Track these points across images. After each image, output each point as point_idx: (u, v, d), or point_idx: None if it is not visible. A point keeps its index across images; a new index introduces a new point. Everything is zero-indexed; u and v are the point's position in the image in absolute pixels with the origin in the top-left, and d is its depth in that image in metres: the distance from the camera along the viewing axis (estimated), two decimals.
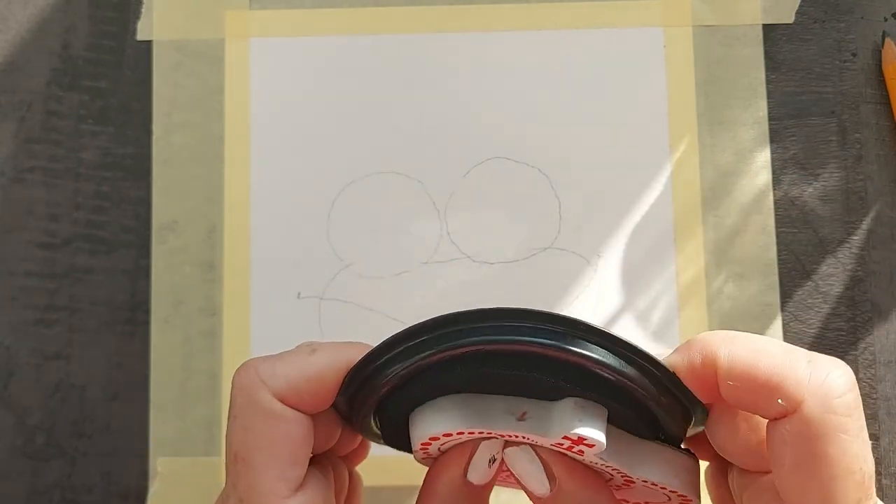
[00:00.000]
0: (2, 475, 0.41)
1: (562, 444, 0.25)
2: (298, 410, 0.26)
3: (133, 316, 0.42)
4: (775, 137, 0.43)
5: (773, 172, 0.43)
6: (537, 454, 0.27)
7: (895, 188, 0.43)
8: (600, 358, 0.24)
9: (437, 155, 0.43)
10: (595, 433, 0.24)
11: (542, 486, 0.27)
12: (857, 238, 0.43)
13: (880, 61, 0.43)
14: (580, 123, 0.43)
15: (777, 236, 0.42)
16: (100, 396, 0.41)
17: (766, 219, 0.42)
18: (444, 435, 0.26)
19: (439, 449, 0.27)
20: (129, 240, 0.42)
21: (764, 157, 0.43)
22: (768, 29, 0.44)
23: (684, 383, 0.25)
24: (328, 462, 0.30)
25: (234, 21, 0.43)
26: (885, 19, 0.44)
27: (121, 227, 0.42)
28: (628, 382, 0.24)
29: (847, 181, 0.43)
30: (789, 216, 0.43)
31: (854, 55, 0.44)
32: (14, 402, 0.41)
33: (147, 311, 0.42)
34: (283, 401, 0.26)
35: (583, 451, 0.25)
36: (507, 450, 0.27)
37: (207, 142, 0.43)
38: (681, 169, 0.43)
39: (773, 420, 0.24)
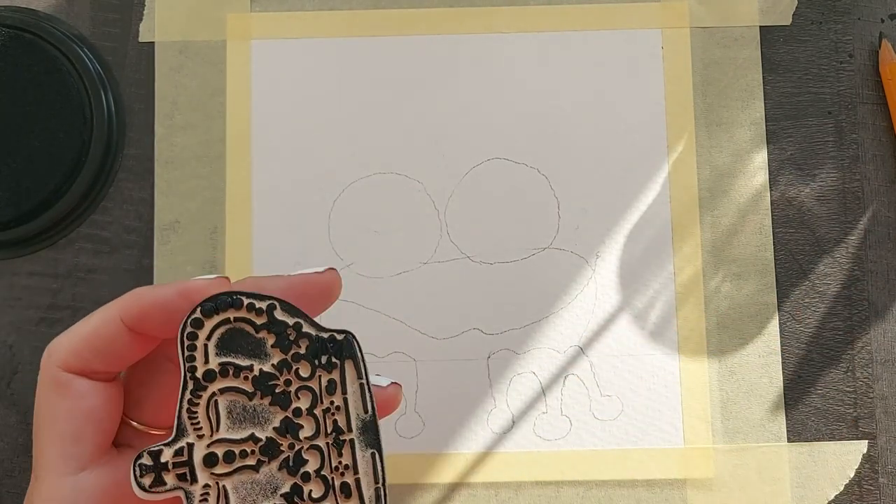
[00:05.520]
0: (5, 473, 0.42)
1: None
2: (91, 378, 0.26)
3: None
4: (772, 138, 0.43)
5: (771, 173, 0.43)
6: None
7: (892, 188, 0.43)
8: None
9: (437, 155, 0.43)
10: None
11: None
12: (854, 238, 0.43)
13: (877, 62, 0.44)
14: (579, 124, 0.43)
15: (774, 236, 0.43)
16: None
17: (764, 219, 0.43)
18: None
19: None
20: (131, 240, 0.43)
21: (761, 157, 0.43)
22: (766, 30, 0.44)
23: None
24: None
25: (236, 23, 0.44)
26: (882, 20, 0.44)
27: (123, 227, 0.43)
28: None
29: (844, 181, 0.43)
30: (786, 216, 0.43)
31: (851, 56, 0.44)
32: (17, 401, 0.42)
33: None
34: (69, 369, 0.25)
35: None
36: None
37: (209, 143, 0.43)
38: (678, 169, 0.43)
39: None
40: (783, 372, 0.42)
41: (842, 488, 0.41)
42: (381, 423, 0.26)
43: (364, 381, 0.26)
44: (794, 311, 0.42)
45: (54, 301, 0.42)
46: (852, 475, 0.41)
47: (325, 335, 0.26)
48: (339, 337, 0.26)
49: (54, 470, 0.25)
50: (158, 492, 0.24)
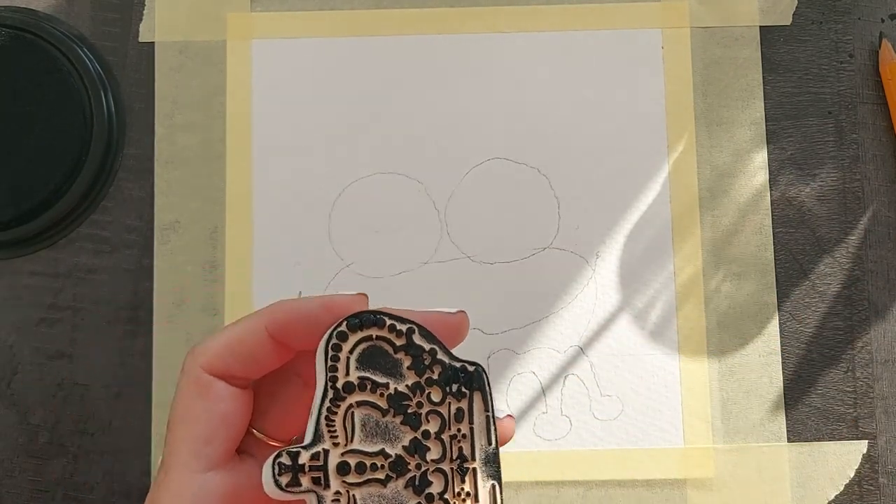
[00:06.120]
0: (5, 473, 0.42)
1: None
2: (230, 384, 0.27)
3: (135, 315, 0.42)
4: (772, 138, 0.43)
5: (771, 172, 0.43)
6: None
7: (892, 188, 0.43)
8: None
9: (437, 155, 0.43)
10: None
11: None
12: (854, 237, 0.43)
13: (877, 62, 0.44)
14: (579, 124, 0.43)
15: (774, 236, 0.43)
16: (102, 395, 0.42)
17: (764, 218, 0.43)
18: None
19: None
20: (131, 239, 0.43)
21: (761, 157, 0.43)
22: (766, 30, 0.44)
23: None
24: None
25: (236, 23, 0.44)
26: (882, 20, 0.44)
27: (124, 226, 0.43)
28: None
29: (844, 181, 0.43)
30: (786, 216, 0.43)
31: (851, 56, 0.44)
32: (17, 401, 0.42)
33: (149, 311, 0.42)
34: (211, 372, 0.27)
35: None
36: None
37: (209, 142, 0.43)
38: (679, 169, 0.43)
39: None
40: (783, 372, 0.42)
41: (842, 488, 0.41)
42: None
43: (490, 414, 0.27)
44: (794, 311, 0.42)
45: (55, 301, 0.42)
46: (852, 475, 0.41)
47: (458, 364, 0.27)
48: (471, 368, 0.27)
49: (186, 467, 0.26)
50: (293, 492, 0.25)
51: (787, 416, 0.42)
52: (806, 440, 0.41)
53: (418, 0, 0.44)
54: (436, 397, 0.26)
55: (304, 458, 0.25)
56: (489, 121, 0.43)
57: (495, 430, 0.27)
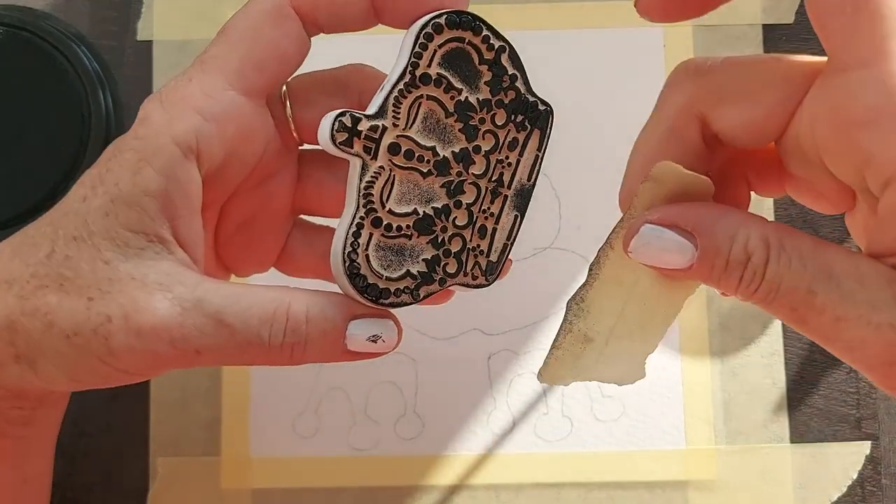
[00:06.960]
0: None
1: None
2: (305, 27, 0.27)
3: None
4: None
5: None
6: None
7: None
8: None
9: None
10: None
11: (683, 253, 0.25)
12: None
13: None
14: (580, 123, 0.43)
15: None
16: (100, 396, 0.42)
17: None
18: None
19: None
20: None
21: None
22: (768, 29, 0.44)
23: None
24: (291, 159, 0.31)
25: None
26: None
27: None
28: None
29: None
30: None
31: None
32: None
33: None
34: (296, 7, 0.27)
35: None
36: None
37: None
38: None
39: None
40: (786, 373, 0.42)
41: (844, 490, 0.41)
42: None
43: (540, 154, 0.29)
44: None
45: None
46: (855, 476, 0.41)
47: (532, 99, 0.28)
48: (542, 107, 0.29)
49: (227, 77, 0.26)
50: (344, 150, 0.26)
51: (789, 417, 0.41)
52: (809, 441, 0.41)
53: None
54: (499, 120, 0.28)
55: (363, 125, 0.26)
56: None
57: (539, 170, 0.29)
